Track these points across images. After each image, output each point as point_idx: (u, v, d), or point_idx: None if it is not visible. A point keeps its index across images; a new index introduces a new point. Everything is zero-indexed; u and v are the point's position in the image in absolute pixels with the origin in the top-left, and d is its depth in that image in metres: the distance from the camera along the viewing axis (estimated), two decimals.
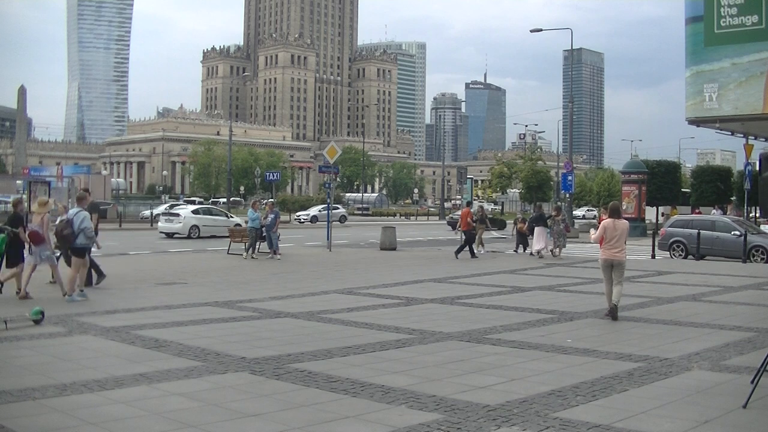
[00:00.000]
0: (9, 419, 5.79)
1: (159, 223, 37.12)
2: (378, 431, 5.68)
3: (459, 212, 31.02)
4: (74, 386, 6.85)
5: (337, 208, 62.23)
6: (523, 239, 27.03)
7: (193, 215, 35.07)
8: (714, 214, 32.25)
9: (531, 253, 24.69)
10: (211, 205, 53.95)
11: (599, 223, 24.28)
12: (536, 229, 24.24)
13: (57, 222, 13.86)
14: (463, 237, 24.05)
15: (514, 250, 26.75)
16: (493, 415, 6.03)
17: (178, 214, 35.35)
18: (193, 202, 76.86)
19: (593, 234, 11.86)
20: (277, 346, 8.84)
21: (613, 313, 11.11)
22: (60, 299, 12.53)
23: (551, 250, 24.12)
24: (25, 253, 12.94)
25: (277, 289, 14.76)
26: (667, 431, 5.77)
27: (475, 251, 24.40)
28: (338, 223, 55.17)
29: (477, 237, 25.74)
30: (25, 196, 28.88)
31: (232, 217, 36.40)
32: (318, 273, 18.54)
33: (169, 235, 33.94)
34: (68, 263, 13.30)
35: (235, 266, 20.30)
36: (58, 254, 13.98)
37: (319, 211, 57.46)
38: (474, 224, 25.00)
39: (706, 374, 7.67)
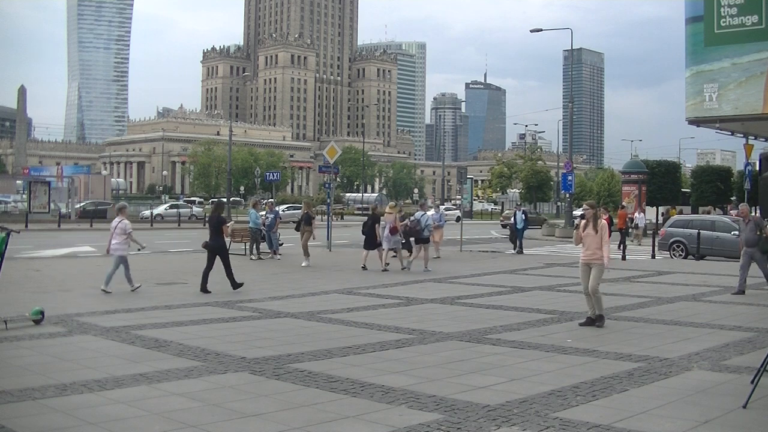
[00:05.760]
0: (9, 419, 5.79)
1: None
2: (378, 431, 5.68)
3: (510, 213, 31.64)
4: (74, 386, 6.84)
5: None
6: (407, 241, 22.09)
7: None
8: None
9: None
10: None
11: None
12: None
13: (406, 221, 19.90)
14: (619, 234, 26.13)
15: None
16: (493, 415, 6.03)
17: None
18: (193, 202, 76.99)
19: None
20: (277, 346, 8.84)
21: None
22: (400, 272, 18.55)
23: None
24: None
25: (277, 289, 14.76)
26: (668, 431, 5.77)
27: (304, 263, 20.17)
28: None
29: (303, 244, 20.69)
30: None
31: None
32: (318, 273, 18.52)
33: None
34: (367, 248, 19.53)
35: (234, 266, 20.24)
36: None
37: (165, 209, 55.63)
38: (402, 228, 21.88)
39: (706, 374, 7.67)
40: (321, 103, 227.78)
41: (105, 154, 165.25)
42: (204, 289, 13.97)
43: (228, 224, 15.21)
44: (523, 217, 26.59)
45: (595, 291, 10.52)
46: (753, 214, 15.63)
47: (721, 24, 21.10)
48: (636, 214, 31.18)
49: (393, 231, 18.89)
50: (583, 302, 10.96)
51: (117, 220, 14.32)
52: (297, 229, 21.85)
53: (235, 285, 14.29)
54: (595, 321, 10.58)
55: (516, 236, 26.55)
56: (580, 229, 10.87)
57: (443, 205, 76.72)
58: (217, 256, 14.34)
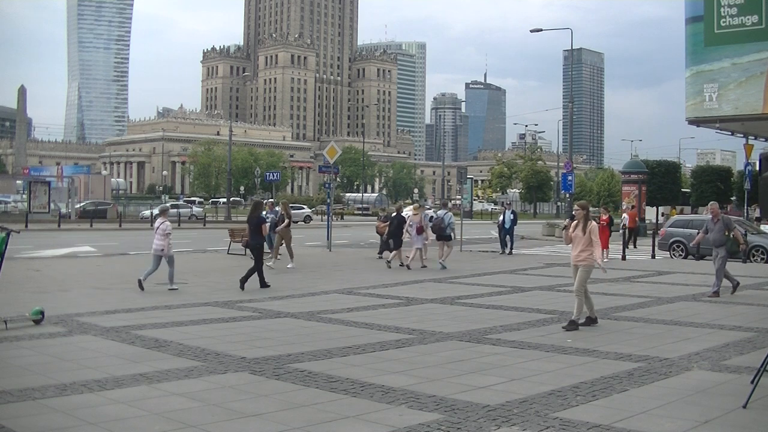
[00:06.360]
0: (9, 419, 5.79)
1: None
2: (378, 431, 5.68)
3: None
4: (74, 386, 6.85)
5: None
6: (386, 243, 22.84)
7: None
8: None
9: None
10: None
11: (600, 223, 24.33)
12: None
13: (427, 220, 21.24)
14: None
15: (378, 255, 23.07)
16: (493, 415, 6.03)
17: None
18: (193, 202, 77.06)
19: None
20: (277, 346, 8.84)
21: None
22: (406, 270, 19.22)
23: None
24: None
25: (277, 289, 14.75)
26: (668, 431, 5.77)
27: (289, 265, 19.67)
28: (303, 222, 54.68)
29: (287, 247, 20.22)
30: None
31: None
32: (318, 273, 18.53)
33: None
34: (395, 247, 20.57)
35: (235, 266, 20.27)
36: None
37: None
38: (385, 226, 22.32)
39: (706, 374, 7.67)
40: (321, 103, 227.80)
41: (105, 154, 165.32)
42: (263, 285, 14.75)
43: (266, 224, 15.89)
44: (512, 217, 25.96)
45: (578, 292, 10.38)
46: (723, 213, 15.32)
47: (721, 24, 21.10)
48: (625, 215, 31.26)
49: (419, 230, 20.21)
50: (583, 304, 10.85)
51: (159, 221, 14.91)
52: (273, 230, 20.96)
53: (244, 282, 14.62)
54: (594, 320, 10.55)
55: (504, 236, 25.90)
56: (569, 229, 10.68)
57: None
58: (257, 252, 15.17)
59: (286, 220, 20.41)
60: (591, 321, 10.51)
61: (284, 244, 20.35)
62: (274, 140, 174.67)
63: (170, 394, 6.67)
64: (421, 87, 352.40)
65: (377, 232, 24.40)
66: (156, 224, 14.97)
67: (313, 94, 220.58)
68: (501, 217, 26.68)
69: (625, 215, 30.23)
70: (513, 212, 26.72)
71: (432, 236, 20.69)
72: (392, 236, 20.74)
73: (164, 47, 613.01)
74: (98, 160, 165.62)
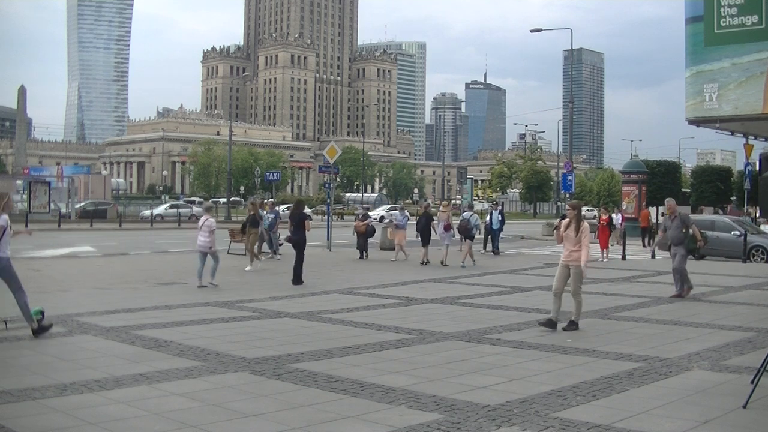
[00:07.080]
0: (9, 419, 5.79)
1: None
2: (378, 431, 5.68)
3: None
4: (74, 386, 6.85)
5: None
6: (363, 243, 23.16)
7: None
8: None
9: None
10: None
11: (600, 223, 24.32)
12: None
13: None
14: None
15: (359, 257, 22.80)
16: (493, 415, 6.03)
17: None
18: (193, 202, 77.03)
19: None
20: (277, 346, 8.84)
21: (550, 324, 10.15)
22: (420, 267, 20.24)
23: None
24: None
25: (277, 289, 14.75)
26: (668, 431, 5.77)
27: (248, 268, 18.85)
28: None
29: (249, 247, 19.59)
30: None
31: None
32: (318, 273, 18.51)
33: None
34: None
35: (234, 266, 20.27)
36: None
37: (165, 209, 54.34)
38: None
39: (706, 374, 7.67)
40: (321, 103, 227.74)
41: (105, 154, 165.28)
42: (298, 281, 15.39)
43: (311, 221, 16.58)
44: (500, 217, 25.70)
45: (575, 294, 10.27)
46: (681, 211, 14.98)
47: (721, 24, 21.07)
48: (613, 215, 31.23)
49: (447, 228, 20.84)
50: (583, 302, 10.69)
51: (204, 218, 15.45)
52: (242, 230, 20.36)
53: (298, 281, 15.46)
54: (555, 323, 10.14)
55: (491, 237, 25.72)
56: (561, 229, 10.53)
57: (390, 204, 79.31)
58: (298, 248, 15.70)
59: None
60: (552, 324, 10.11)
61: (248, 245, 19.80)
62: (274, 140, 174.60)
63: (170, 394, 6.67)
64: (421, 87, 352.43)
65: (356, 231, 23.64)
66: (201, 222, 15.45)
67: (313, 94, 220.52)
68: (488, 217, 26.52)
69: (616, 215, 30.11)
70: (501, 213, 26.47)
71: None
72: (421, 234, 21.55)
73: (164, 47, 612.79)
74: (98, 160, 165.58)
